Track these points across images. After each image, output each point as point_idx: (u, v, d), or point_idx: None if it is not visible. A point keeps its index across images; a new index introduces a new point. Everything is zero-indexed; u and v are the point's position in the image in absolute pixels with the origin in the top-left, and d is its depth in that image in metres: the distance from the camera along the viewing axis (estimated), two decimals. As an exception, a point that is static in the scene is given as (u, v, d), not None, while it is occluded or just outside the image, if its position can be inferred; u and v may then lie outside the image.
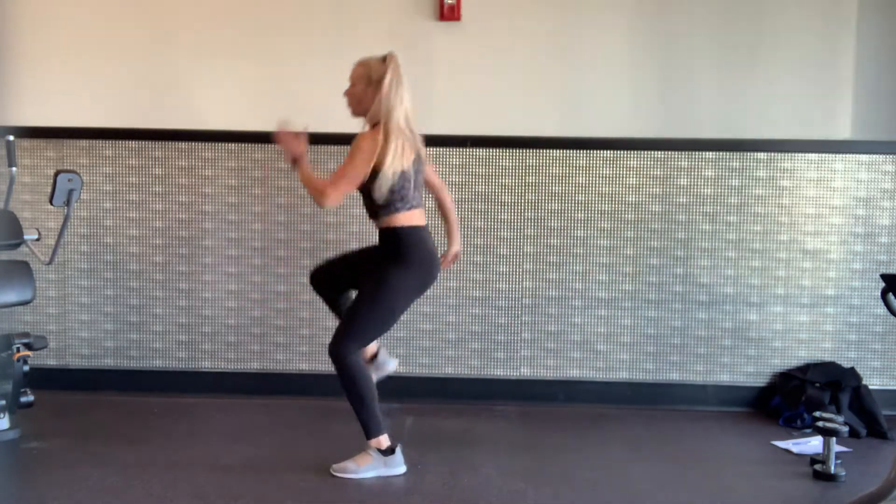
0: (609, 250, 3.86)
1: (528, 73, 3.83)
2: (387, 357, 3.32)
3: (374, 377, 3.18)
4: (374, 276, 3.01)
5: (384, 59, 2.99)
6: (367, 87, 2.99)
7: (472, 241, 3.87)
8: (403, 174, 2.94)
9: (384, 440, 3.02)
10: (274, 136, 3.09)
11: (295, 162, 3.05)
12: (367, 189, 2.98)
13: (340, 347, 2.97)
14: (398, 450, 3.02)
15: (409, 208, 3.00)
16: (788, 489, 3.01)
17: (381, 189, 2.93)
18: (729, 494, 2.94)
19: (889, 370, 3.86)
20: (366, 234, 3.86)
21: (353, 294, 3.14)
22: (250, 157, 3.87)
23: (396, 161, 2.92)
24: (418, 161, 3.02)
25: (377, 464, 2.99)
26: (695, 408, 3.86)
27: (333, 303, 3.25)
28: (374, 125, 2.98)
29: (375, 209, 3.01)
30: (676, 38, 3.82)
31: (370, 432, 3.01)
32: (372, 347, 3.20)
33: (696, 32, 3.82)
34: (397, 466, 3.01)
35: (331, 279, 3.23)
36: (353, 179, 2.95)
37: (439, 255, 3.12)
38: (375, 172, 2.92)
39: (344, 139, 3.81)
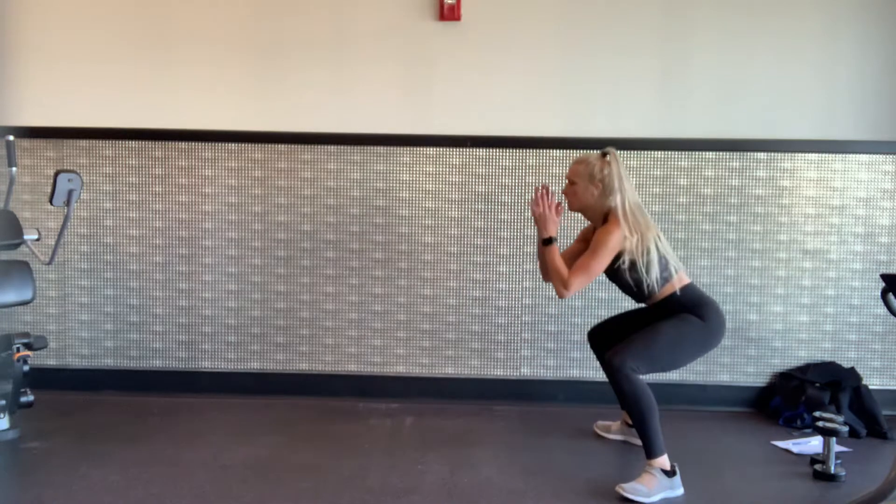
0: (609, 250, 3.86)
1: (527, 72, 3.83)
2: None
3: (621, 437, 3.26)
4: (675, 316, 3.00)
5: (604, 155, 3.09)
6: (588, 185, 3.06)
7: (472, 241, 3.87)
8: (651, 251, 2.99)
9: (667, 460, 2.93)
10: (532, 206, 3.09)
11: (548, 241, 3.05)
12: (633, 275, 3.01)
13: (627, 362, 2.91)
14: (678, 470, 2.92)
15: (675, 274, 3.03)
16: (788, 489, 3.01)
17: (650, 271, 2.98)
18: (729, 494, 2.94)
19: (889, 370, 3.86)
20: (365, 235, 3.87)
21: None
22: (250, 157, 3.87)
23: (644, 238, 2.98)
24: (656, 230, 3.07)
25: (664, 485, 2.87)
26: (695, 408, 3.86)
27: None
28: (606, 216, 3.04)
29: (649, 290, 3.03)
30: (676, 37, 3.82)
31: (653, 451, 2.91)
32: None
33: (697, 32, 3.82)
34: (678, 487, 2.92)
35: (609, 332, 3.25)
36: (595, 273, 2.98)
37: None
38: (633, 262, 2.98)
39: (344, 139, 3.84)
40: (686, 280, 3.08)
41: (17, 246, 3.34)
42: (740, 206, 3.84)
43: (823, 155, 3.81)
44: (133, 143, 3.88)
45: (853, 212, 3.82)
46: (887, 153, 3.80)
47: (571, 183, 3.12)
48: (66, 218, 3.22)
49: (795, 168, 3.82)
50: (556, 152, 3.84)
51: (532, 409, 3.82)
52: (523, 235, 3.86)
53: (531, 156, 3.84)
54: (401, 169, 3.86)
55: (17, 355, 3.26)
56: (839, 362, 3.82)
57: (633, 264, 2.99)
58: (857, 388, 3.65)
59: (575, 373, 3.90)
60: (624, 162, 3.80)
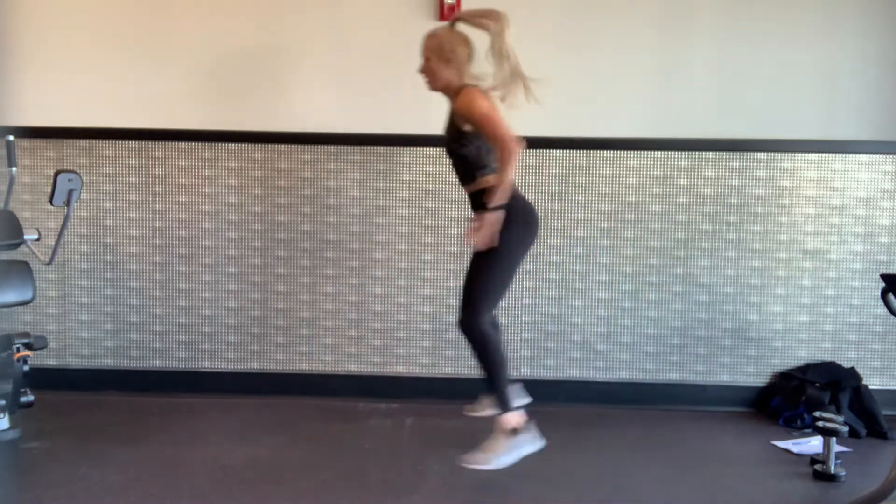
0: (609, 250, 3.86)
1: (527, 73, 3.82)
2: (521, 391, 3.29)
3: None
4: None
5: (452, 26, 3.00)
6: (440, 59, 2.97)
7: (472, 241, 3.87)
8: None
9: (513, 419, 2.94)
10: (470, 238, 2.98)
11: (495, 209, 2.89)
12: (466, 150, 2.95)
13: (470, 319, 2.91)
14: (528, 425, 2.94)
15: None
16: (788, 489, 3.01)
17: (479, 148, 2.92)
18: (729, 494, 2.94)
19: (889, 370, 3.86)
20: (365, 235, 3.86)
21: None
22: (250, 157, 3.87)
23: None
24: None
25: (511, 447, 2.91)
26: (695, 408, 3.86)
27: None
28: (459, 91, 2.96)
29: (472, 171, 2.97)
30: (677, 37, 3.82)
31: (505, 404, 2.93)
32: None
33: (697, 32, 3.81)
34: (531, 444, 2.94)
35: None
36: (503, 120, 2.89)
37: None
38: (474, 134, 2.91)
39: (343, 139, 3.84)
40: (511, 178, 2.96)
41: (17, 246, 3.34)
42: (740, 206, 3.84)
43: (823, 155, 3.81)
44: (133, 143, 3.88)
45: (853, 212, 3.82)
46: (887, 153, 3.80)
47: (426, 59, 3.02)
48: (66, 218, 3.22)
49: (795, 168, 3.82)
50: (556, 152, 3.84)
51: (532, 409, 3.80)
52: (523, 235, 3.86)
53: (531, 156, 3.84)
54: (401, 169, 3.85)
55: (17, 355, 3.26)
56: (839, 362, 3.82)
57: (469, 139, 2.92)
58: (857, 388, 3.65)
59: (575, 373, 3.90)
60: (623, 162, 3.82)
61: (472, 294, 2.96)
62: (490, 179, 2.95)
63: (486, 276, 2.95)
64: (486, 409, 3.27)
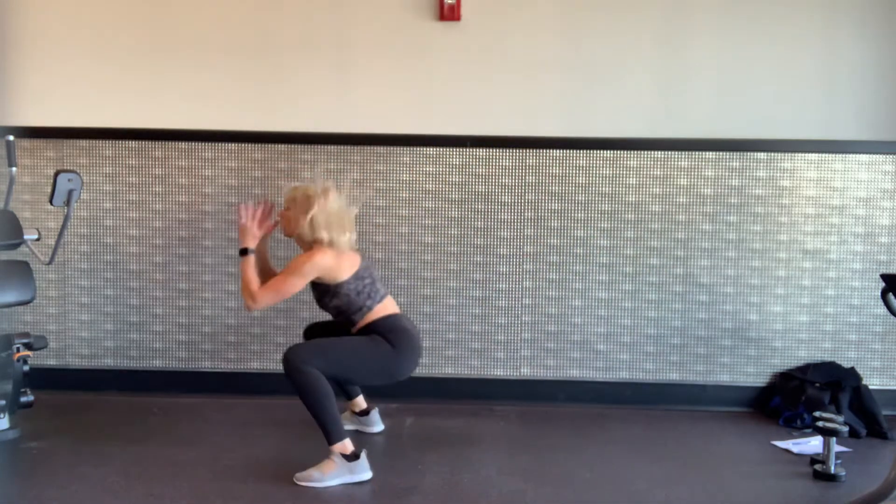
0: (609, 250, 3.86)
1: (528, 73, 3.83)
2: (377, 419, 3.44)
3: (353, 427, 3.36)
4: (368, 335, 3.09)
5: (324, 192, 3.14)
6: (300, 214, 3.11)
7: (472, 241, 3.87)
8: (358, 277, 3.10)
9: (348, 444, 2.96)
10: (238, 215, 3.20)
11: (243, 252, 3.14)
12: (338, 300, 3.10)
13: (298, 354, 2.96)
14: (363, 455, 2.95)
15: (380, 301, 3.14)
16: (788, 489, 3.01)
17: (357, 297, 3.09)
18: (729, 494, 2.94)
19: (889, 370, 3.86)
20: (365, 235, 3.86)
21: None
22: (250, 157, 3.87)
23: (346, 267, 3.08)
24: (364, 260, 3.20)
25: (342, 470, 2.92)
26: (695, 408, 3.86)
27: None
28: (311, 244, 3.12)
29: (351, 316, 3.12)
30: (677, 37, 3.82)
31: (332, 437, 2.95)
32: (361, 404, 3.32)
33: (697, 32, 3.81)
34: (363, 472, 2.94)
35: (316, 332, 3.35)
36: (284, 294, 3.09)
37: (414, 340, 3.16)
38: (336, 286, 3.07)
39: (344, 139, 3.84)
40: (392, 310, 3.17)
41: (17, 246, 3.34)
42: (740, 206, 3.84)
43: (823, 155, 3.81)
44: (133, 143, 3.88)
45: (853, 212, 3.82)
46: (887, 153, 3.80)
47: (286, 208, 3.19)
48: (66, 218, 3.22)
49: (795, 168, 3.82)
50: (556, 152, 3.84)
51: (532, 409, 3.81)
52: (523, 235, 3.86)
53: (531, 156, 3.84)
54: (401, 169, 3.85)
55: (17, 355, 3.26)
56: (839, 362, 3.82)
57: (335, 293, 3.09)
58: (857, 388, 3.65)
59: (575, 373, 3.90)
60: (623, 162, 3.82)
61: (320, 345, 3.07)
62: (367, 318, 3.11)
63: (345, 345, 3.08)
64: (349, 424, 3.40)
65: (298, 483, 2.92)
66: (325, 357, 2.99)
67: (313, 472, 2.93)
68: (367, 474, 2.95)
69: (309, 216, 3.07)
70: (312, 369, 2.93)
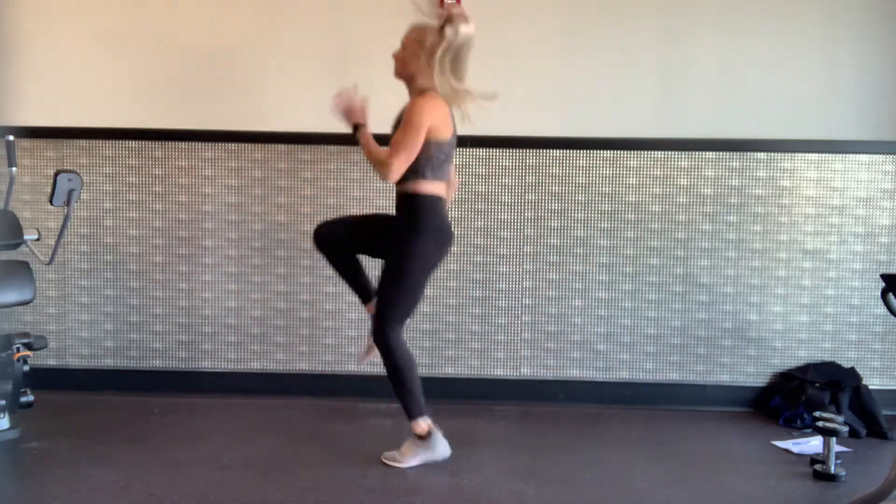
0: (609, 250, 3.86)
1: (528, 72, 3.83)
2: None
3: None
4: (395, 252, 3.03)
5: (442, 26, 2.90)
6: (417, 51, 2.94)
7: (472, 240, 3.87)
8: (442, 144, 2.96)
9: (424, 423, 3.04)
10: (335, 101, 3.06)
11: (357, 128, 3.03)
12: None
13: (384, 333, 3.01)
14: (436, 432, 3.05)
15: (437, 179, 3.01)
16: (788, 489, 3.01)
17: (426, 161, 2.94)
18: (729, 494, 2.94)
19: (889, 370, 3.86)
20: (366, 234, 3.86)
21: (358, 257, 3.22)
22: (250, 157, 3.87)
23: (444, 129, 2.94)
24: (454, 137, 3.04)
25: (420, 451, 3.04)
26: (695, 408, 3.86)
27: (334, 258, 3.20)
28: (422, 91, 2.97)
29: (407, 174, 2.98)
30: (677, 37, 3.82)
31: (410, 413, 3.04)
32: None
33: (697, 32, 3.81)
34: (439, 448, 3.04)
35: (339, 240, 3.18)
36: (413, 149, 2.90)
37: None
38: (425, 143, 2.93)
39: (344, 139, 3.83)
40: (440, 193, 3.03)
41: (17, 246, 3.34)
42: (740, 206, 3.84)
43: (823, 155, 3.81)
44: (133, 143, 3.88)
45: (853, 212, 3.82)
46: (887, 153, 3.80)
47: (402, 47, 3.02)
48: (66, 218, 3.22)
49: (795, 168, 3.82)
50: (556, 152, 3.84)
51: (532, 409, 3.82)
52: (523, 235, 3.86)
53: (531, 156, 3.84)
54: (401, 169, 3.85)
55: (17, 355, 3.25)
56: (839, 362, 3.82)
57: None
58: (857, 388, 3.65)
59: (575, 373, 3.90)
60: (623, 162, 3.82)
61: (381, 307, 3.06)
62: (416, 186, 2.98)
63: (391, 289, 3.03)
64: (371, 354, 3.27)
65: (385, 462, 3.06)
66: (397, 313, 3.03)
67: (395, 453, 3.06)
68: (444, 450, 3.05)
69: (430, 49, 2.87)
70: (399, 343, 3.01)
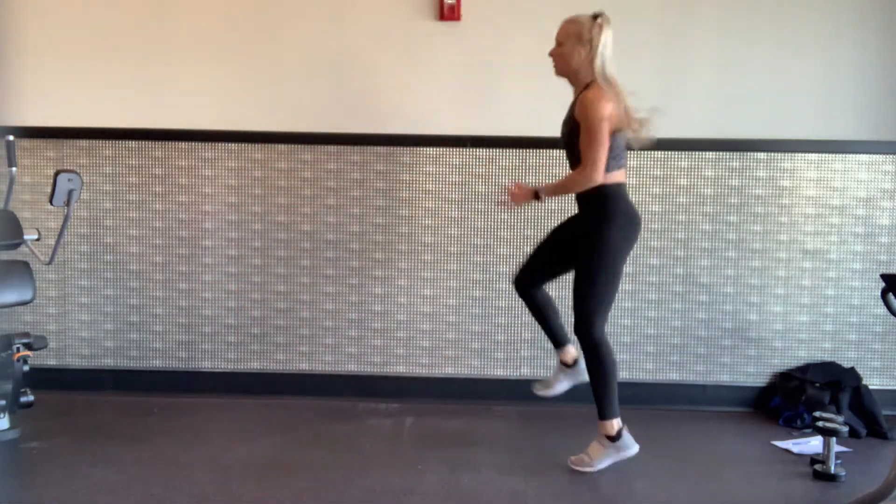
0: (609, 250, 3.85)
1: (528, 73, 3.82)
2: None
3: (567, 383, 3.32)
4: (587, 244, 3.00)
5: (595, 17, 2.95)
6: (576, 45, 2.95)
7: (472, 240, 3.87)
8: (618, 133, 2.95)
9: (616, 424, 3.01)
10: (509, 196, 3.15)
11: (537, 194, 3.05)
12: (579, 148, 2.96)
13: (588, 325, 2.97)
14: (625, 431, 3.02)
15: (618, 167, 3.00)
16: (788, 489, 3.01)
17: (609, 151, 2.93)
18: (729, 494, 2.95)
19: (889, 370, 3.86)
20: (365, 235, 3.86)
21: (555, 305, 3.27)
22: (250, 157, 3.87)
23: (617, 117, 2.92)
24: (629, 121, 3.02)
25: (610, 451, 3.00)
26: (695, 408, 3.86)
27: (533, 302, 3.25)
28: (588, 85, 2.95)
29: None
30: (676, 37, 3.82)
31: (604, 413, 3.00)
32: (573, 353, 3.21)
33: (697, 32, 3.81)
34: (630, 448, 3.01)
35: (533, 270, 3.21)
36: (604, 143, 2.88)
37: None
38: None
39: (344, 139, 3.84)
40: (623, 180, 3.05)
41: (17, 246, 3.34)
42: (740, 206, 3.84)
43: (823, 155, 3.81)
44: (133, 143, 3.88)
45: (853, 212, 3.82)
46: (887, 153, 3.80)
47: (559, 44, 3.01)
48: (66, 218, 3.22)
49: (795, 168, 3.82)
50: (556, 152, 3.83)
51: (532, 409, 3.81)
52: (523, 235, 3.86)
53: (531, 156, 3.84)
54: (401, 169, 3.85)
55: (17, 355, 3.25)
56: (839, 362, 3.82)
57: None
58: (857, 388, 3.65)
59: (575, 373, 3.90)
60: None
61: (581, 301, 3.01)
62: (606, 177, 2.96)
63: (590, 282, 3.00)
64: (555, 388, 3.35)
65: (573, 467, 3.00)
66: (598, 305, 2.99)
67: (584, 456, 3.02)
68: (634, 448, 3.01)
69: (589, 46, 2.90)
70: (603, 337, 2.99)
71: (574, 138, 2.98)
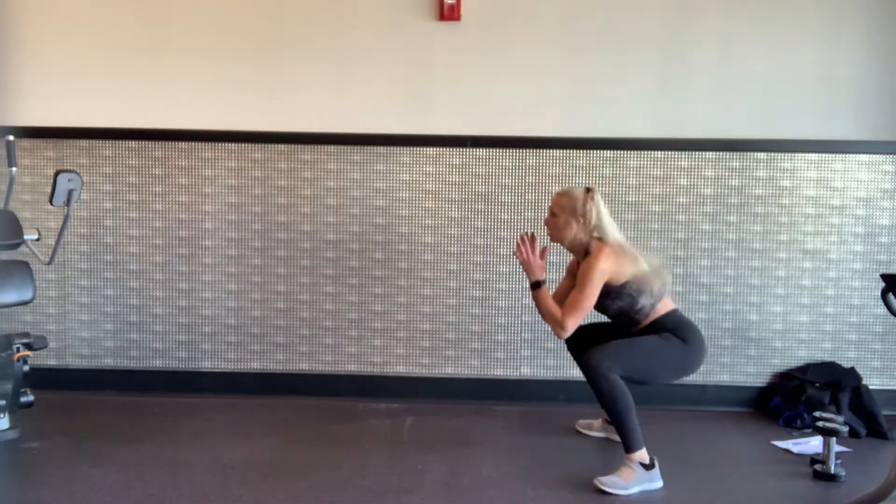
0: (609, 250, 3.85)
1: (528, 72, 3.83)
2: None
3: (604, 434, 3.39)
4: (657, 333, 3.06)
5: (587, 191, 3.10)
6: (570, 219, 3.08)
7: (472, 241, 3.87)
8: (626, 284, 3.04)
9: (645, 454, 2.97)
10: (516, 253, 3.13)
11: (537, 284, 3.08)
12: (622, 301, 3.05)
13: (603, 361, 2.95)
14: (657, 463, 2.98)
15: (662, 296, 3.09)
16: (788, 489, 3.01)
17: (637, 301, 3.04)
18: (729, 494, 2.94)
19: (889, 370, 3.86)
20: (365, 235, 3.86)
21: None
22: (250, 157, 3.87)
23: (621, 272, 3.02)
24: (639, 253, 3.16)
25: (642, 478, 2.94)
26: (695, 408, 3.86)
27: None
28: (589, 248, 3.07)
29: (634, 316, 3.07)
30: (677, 37, 3.82)
31: (632, 445, 2.96)
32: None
33: (697, 32, 3.81)
34: (658, 480, 2.97)
35: (589, 338, 3.22)
36: (587, 308, 3.00)
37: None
38: (620, 286, 3.01)
39: (344, 139, 3.84)
40: (671, 306, 3.13)
41: (17, 246, 3.34)
42: (740, 206, 3.84)
43: (823, 155, 3.81)
44: (133, 143, 3.88)
45: (853, 212, 3.82)
46: (887, 153, 3.80)
47: (553, 215, 3.15)
48: (66, 218, 3.22)
49: (795, 168, 3.82)
50: (556, 152, 3.84)
51: (532, 409, 3.81)
52: (523, 235, 3.86)
53: (531, 156, 3.84)
54: (401, 169, 3.86)
55: (17, 355, 3.26)
56: (839, 362, 3.82)
57: (618, 294, 3.04)
58: (857, 388, 3.65)
59: (575, 373, 3.87)
60: (623, 162, 3.83)
61: (616, 348, 3.01)
62: (650, 316, 3.07)
63: (638, 346, 3.03)
64: (593, 432, 3.45)
65: (602, 488, 2.90)
66: (626, 361, 2.98)
67: (617, 479, 2.93)
68: (660, 482, 2.96)
69: (582, 216, 3.05)
70: (617, 376, 2.93)
71: (610, 300, 3.07)
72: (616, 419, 2.95)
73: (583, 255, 3.11)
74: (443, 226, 3.87)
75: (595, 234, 3.07)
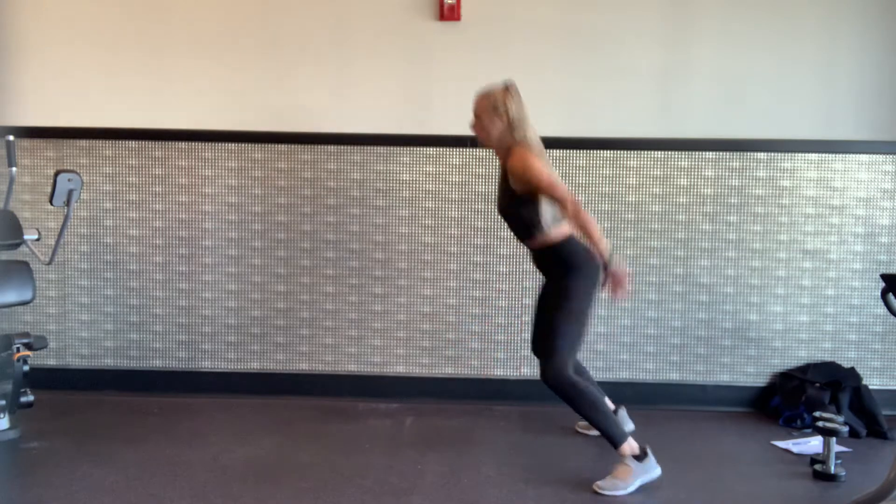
0: (609, 250, 3.86)
1: (527, 73, 3.82)
2: (626, 417, 3.39)
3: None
4: (552, 292, 3.03)
5: (506, 88, 3.00)
6: (493, 117, 2.99)
7: (472, 241, 3.87)
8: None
9: (634, 444, 2.95)
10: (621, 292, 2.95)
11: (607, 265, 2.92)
12: (525, 211, 2.97)
13: (553, 371, 2.94)
14: (649, 451, 2.96)
15: (562, 219, 3.01)
16: (788, 489, 3.01)
17: (547, 208, 2.94)
18: (729, 494, 2.94)
19: (889, 370, 3.86)
20: (365, 235, 3.86)
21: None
22: (250, 157, 3.87)
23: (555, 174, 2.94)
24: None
25: (638, 472, 2.92)
26: (695, 408, 3.86)
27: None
28: (510, 150, 2.97)
29: (532, 229, 3.00)
30: (677, 37, 3.82)
31: (616, 441, 2.94)
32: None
33: (697, 32, 3.81)
34: (654, 469, 2.95)
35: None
36: (556, 181, 2.89)
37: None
38: (538, 193, 2.92)
39: (344, 139, 3.84)
40: (569, 230, 3.01)
41: (17, 246, 3.34)
42: (740, 206, 3.84)
43: (823, 155, 3.81)
44: (133, 143, 3.88)
45: (853, 212, 3.82)
46: (887, 153, 3.80)
47: (477, 117, 3.05)
48: (66, 218, 3.22)
49: (795, 168, 3.82)
50: (557, 152, 3.83)
51: (532, 409, 3.81)
52: (523, 235, 3.86)
53: (531, 156, 3.83)
54: (401, 169, 3.86)
55: (17, 355, 3.26)
56: (839, 362, 3.82)
57: (528, 201, 2.94)
58: (857, 388, 3.65)
59: (575, 373, 3.90)
60: (623, 162, 3.83)
61: (548, 345, 3.00)
62: (550, 235, 2.98)
63: (556, 324, 2.99)
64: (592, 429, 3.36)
65: (602, 493, 2.88)
66: (565, 344, 2.96)
67: (615, 481, 2.91)
68: (657, 469, 2.95)
69: (505, 112, 2.95)
70: (572, 377, 2.93)
71: (515, 208, 2.99)
72: (592, 421, 2.95)
73: (507, 156, 2.99)
74: (443, 226, 3.87)
75: (517, 134, 2.95)
